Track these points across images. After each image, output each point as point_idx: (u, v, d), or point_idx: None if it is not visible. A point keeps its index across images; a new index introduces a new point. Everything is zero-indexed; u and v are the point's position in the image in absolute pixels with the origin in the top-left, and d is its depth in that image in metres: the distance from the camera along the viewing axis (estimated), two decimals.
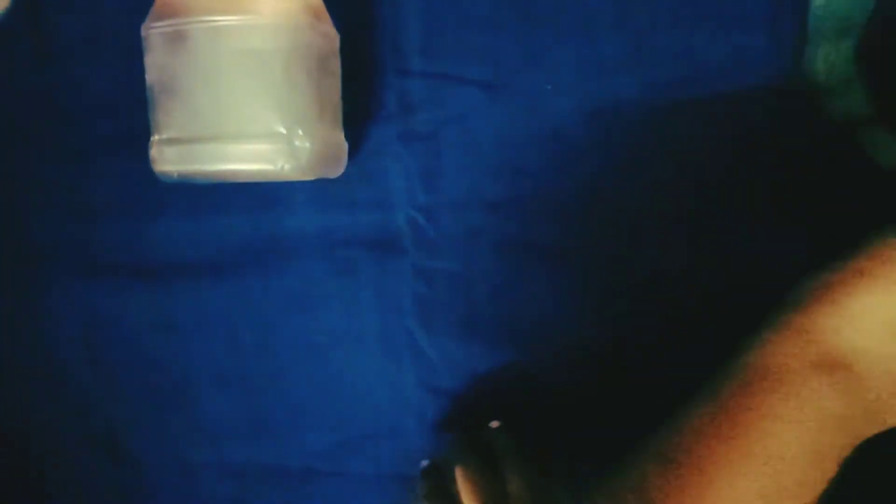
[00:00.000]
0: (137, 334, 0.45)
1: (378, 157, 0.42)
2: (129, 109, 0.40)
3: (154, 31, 0.35)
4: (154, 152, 0.37)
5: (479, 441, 0.40)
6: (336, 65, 0.39)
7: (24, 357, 0.46)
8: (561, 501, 0.38)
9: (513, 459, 0.39)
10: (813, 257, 0.39)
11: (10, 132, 0.45)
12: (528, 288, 0.42)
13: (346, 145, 0.40)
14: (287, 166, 0.35)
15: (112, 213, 0.44)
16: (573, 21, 0.40)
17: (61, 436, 0.46)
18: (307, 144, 0.36)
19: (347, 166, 0.42)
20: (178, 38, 0.35)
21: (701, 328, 0.40)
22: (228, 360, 0.44)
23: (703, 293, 0.41)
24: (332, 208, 0.43)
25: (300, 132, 0.35)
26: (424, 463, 0.41)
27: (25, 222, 0.45)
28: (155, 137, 0.37)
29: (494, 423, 0.41)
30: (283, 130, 0.35)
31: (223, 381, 0.44)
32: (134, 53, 0.37)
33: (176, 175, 0.36)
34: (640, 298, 0.41)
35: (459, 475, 0.38)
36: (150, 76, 0.36)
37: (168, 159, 0.36)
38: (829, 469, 0.29)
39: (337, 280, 0.43)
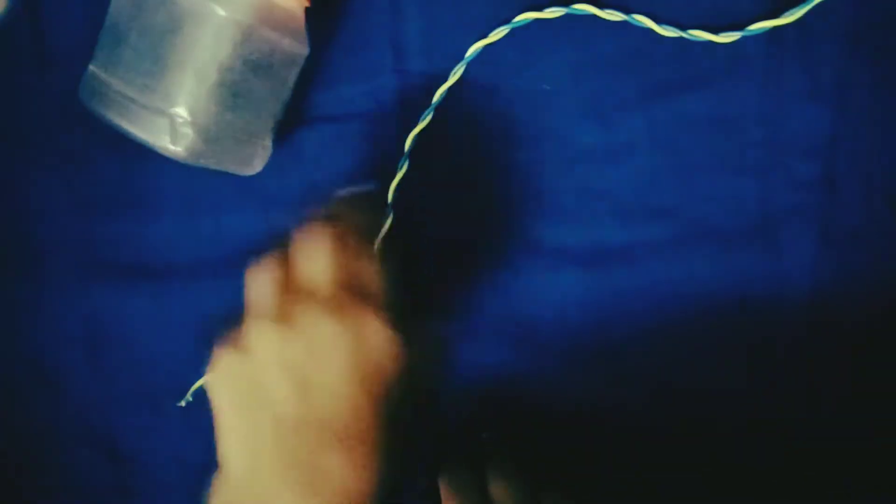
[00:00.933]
0: (137, 334, 0.45)
1: (378, 158, 0.42)
2: None
3: None
4: (85, 80, 0.38)
5: (469, 453, 0.40)
6: (283, 74, 0.38)
7: (24, 357, 0.46)
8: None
9: (498, 468, 0.39)
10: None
11: (10, 132, 0.45)
12: (528, 288, 0.42)
13: (269, 147, 0.40)
14: (167, 145, 0.36)
15: (112, 213, 0.44)
16: (573, 21, 0.40)
17: (61, 436, 0.46)
18: (189, 132, 0.36)
19: (347, 166, 0.42)
20: None
21: (701, 326, 0.41)
22: None
23: (704, 291, 0.41)
24: None
25: (186, 117, 0.35)
26: (421, 480, 0.41)
27: (25, 222, 0.45)
28: (90, 66, 0.38)
29: (484, 434, 0.41)
30: (169, 110, 0.36)
31: None
32: None
33: (92, 110, 0.37)
34: (641, 298, 0.41)
35: (443, 487, 0.38)
36: (111, 9, 0.37)
37: (90, 94, 0.37)
38: None
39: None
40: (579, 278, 0.41)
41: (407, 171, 0.41)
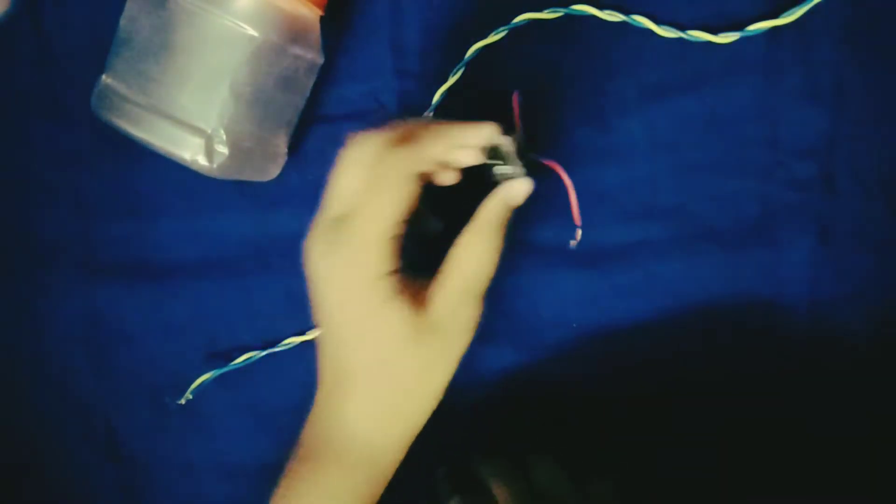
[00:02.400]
0: (138, 334, 0.45)
1: None
2: None
3: None
4: (99, 90, 0.38)
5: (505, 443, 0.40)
6: (304, 84, 0.39)
7: (24, 357, 0.46)
8: (595, 489, 0.38)
9: (540, 456, 0.39)
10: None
11: (10, 132, 0.45)
12: (529, 288, 0.42)
13: (285, 153, 0.40)
14: (201, 161, 0.36)
15: (112, 213, 0.44)
16: (573, 21, 0.40)
17: (62, 435, 0.46)
18: (224, 150, 0.36)
19: None
20: (158, 1, 0.36)
21: (702, 326, 0.41)
22: (228, 360, 0.44)
23: (704, 291, 0.41)
24: None
25: (223, 137, 0.36)
26: (441, 470, 0.41)
27: (25, 222, 0.45)
28: (104, 77, 0.37)
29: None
30: (206, 129, 0.36)
31: (223, 381, 0.44)
32: None
33: (106, 121, 0.37)
34: (640, 298, 0.41)
35: (488, 471, 0.38)
36: (124, 20, 0.37)
37: (107, 106, 0.37)
38: None
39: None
40: (579, 278, 0.41)
41: None
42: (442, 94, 0.40)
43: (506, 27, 0.40)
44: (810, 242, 0.39)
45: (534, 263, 0.41)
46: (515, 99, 0.37)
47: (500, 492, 0.37)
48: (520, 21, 0.39)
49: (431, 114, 0.41)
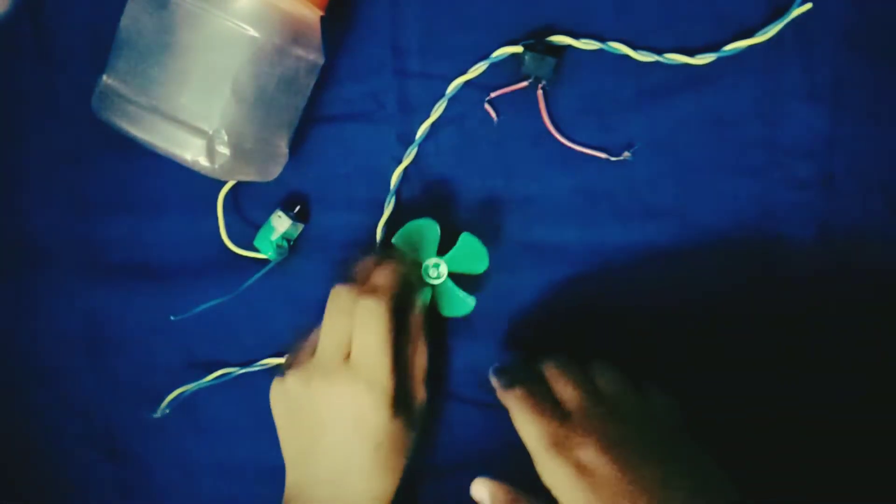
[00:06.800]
0: (137, 334, 0.45)
1: (378, 158, 0.42)
2: None
3: None
4: (100, 91, 0.38)
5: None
6: (305, 84, 0.39)
7: (24, 357, 0.46)
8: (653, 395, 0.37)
9: (602, 363, 0.38)
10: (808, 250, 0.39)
11: (10, 132, 0.45)
12: (528, 288, 0.42)
13: (286, 154, 0.40)
14: (203, 162, 0.36)
15: (112, 213, 0.44)
16: (572, 22, 0.40)
17: (61, 435, 0.46)
18: (226, 151, 0.36)
19: (347, 166, 0.42)
20: (159, 2, 0.36)
21: (699, 326, 0.41)
22: (229, 360, 0.44)
23: (702, 291, 0.41)
24: (332, 208, 0.43)
25: (224, 138, 0.36)
26: (496, 365, 0.40)
27: (25, 222, 0.45)
28: (105, 78, 0.37)
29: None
30: (208, 130, 0.36)
31: (223, 383, 0.44)
32: None
33: (107, 121, 0.37)
34: (639, 297, 0.41)
35: (549, 369, 0.38)
36: (125, 20, 0.37)
37: (108, 106, 0.37)
38: None
39: (337, 280, 0.43)
40: (578, 278, 0.41)
41: (405, 176, 0.42)
42: (425, 131, 0.41)
43: (486, 61, 0.40)
44: (809, 241, 0.40)
45: (533, 264, 0.42)
46: (540, 93, 0.37)
47: (567, 394, 0.37)
48: (499, 56, 0.40)
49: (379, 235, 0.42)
